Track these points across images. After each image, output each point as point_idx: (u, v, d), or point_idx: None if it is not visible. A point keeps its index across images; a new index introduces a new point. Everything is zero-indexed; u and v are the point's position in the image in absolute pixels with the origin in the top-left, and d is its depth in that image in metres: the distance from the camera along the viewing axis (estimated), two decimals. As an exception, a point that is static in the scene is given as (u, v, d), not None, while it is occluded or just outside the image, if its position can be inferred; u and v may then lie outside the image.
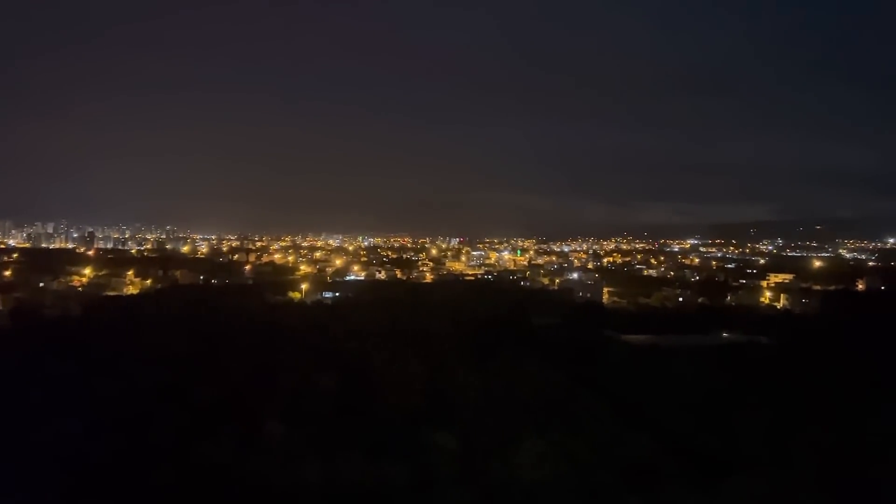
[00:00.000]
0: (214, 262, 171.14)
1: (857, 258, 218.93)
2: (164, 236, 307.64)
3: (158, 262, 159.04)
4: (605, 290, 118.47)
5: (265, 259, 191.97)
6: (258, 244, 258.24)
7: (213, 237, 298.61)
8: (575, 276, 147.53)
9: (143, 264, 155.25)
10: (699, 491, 22.42)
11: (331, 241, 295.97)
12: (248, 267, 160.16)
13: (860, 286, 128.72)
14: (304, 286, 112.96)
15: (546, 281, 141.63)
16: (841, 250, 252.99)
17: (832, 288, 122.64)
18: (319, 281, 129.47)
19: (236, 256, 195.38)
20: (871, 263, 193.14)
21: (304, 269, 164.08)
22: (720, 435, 30.39)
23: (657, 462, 26.17)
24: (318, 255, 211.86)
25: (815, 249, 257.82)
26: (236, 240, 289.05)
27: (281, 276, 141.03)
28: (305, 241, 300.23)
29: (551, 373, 41.70)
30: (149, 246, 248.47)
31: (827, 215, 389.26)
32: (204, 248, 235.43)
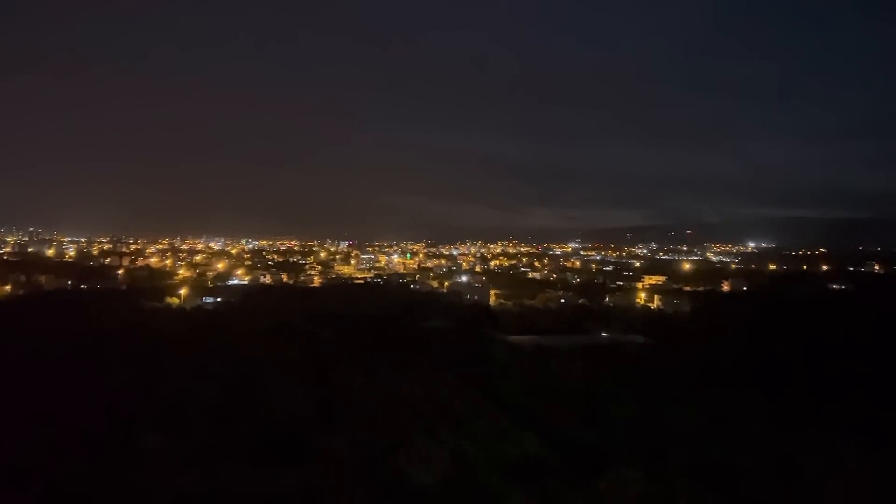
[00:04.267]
0: (84, 267, 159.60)
1: (722, 261, 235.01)
2: (26, 238, 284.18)
3: (20, 266, 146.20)
4: (493, 292, 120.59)
5: (140, 263, 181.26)
6: (132, 247, 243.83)
7: (83, 240, 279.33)
8: (463, 279, 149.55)
9: (1, 269, 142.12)
10: (581, 484, 23.22)
11: (212, 244, 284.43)
12: (121, 271, 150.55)
13: (726, 287, 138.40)
14: (183, 291, 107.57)
15: (435, 284, 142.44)
16: (708, 253, 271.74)
17: (701, 289, 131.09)
18: (200, 286, 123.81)
19: (108, 260, 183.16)
20: (734, 266, 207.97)
21: (183, 273, 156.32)
22: (600, 429, 31.71)
23: (542, 458, 26.93)
24: (198, 258, 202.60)
25: (686, 253, 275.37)
26: (108, 242, 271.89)
27: (158, 281, 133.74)
28: (184, 243, 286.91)
29: (440, 374, 42.07)
30: (8, 249, 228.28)
31: (695, 221, 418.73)
32: (72, 252, 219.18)
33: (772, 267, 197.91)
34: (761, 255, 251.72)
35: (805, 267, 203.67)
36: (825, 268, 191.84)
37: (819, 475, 24.11)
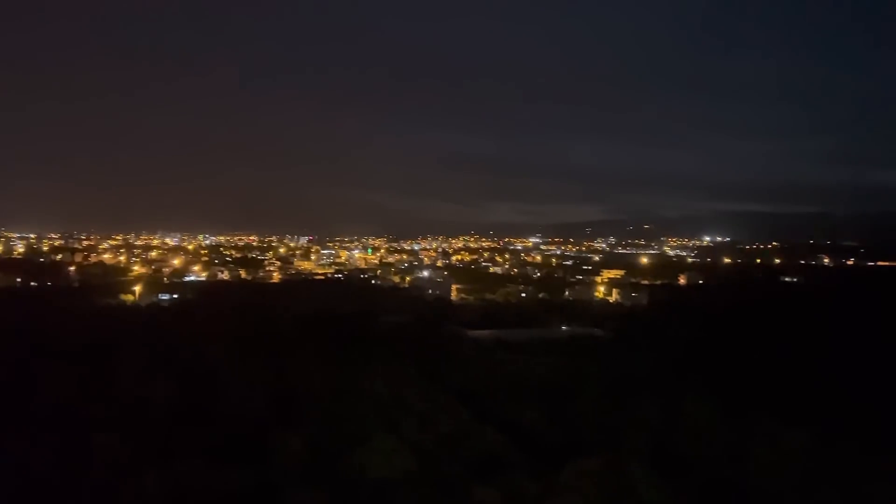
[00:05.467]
0: (34, 263, 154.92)
1: (679, 255, 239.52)
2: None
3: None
4: (454, 287, 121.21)
5: (93, 259, 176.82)
6: (85, 243, 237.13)
7: (33, 236, 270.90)
8: (425, 273, 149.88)
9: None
10: (541, 477, 23.35)
11: (168, 240, 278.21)
12: (73, 268, 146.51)
13: (682, 280, 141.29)
14: (137, 288, 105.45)
15: (397, 279, 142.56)
16: (665, 248, 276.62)
17: (658, 282, 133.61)
18: (155, 282, 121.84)
19: (60, 256, 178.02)
20: (690, 259, 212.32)
21: (138, 269, 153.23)
22: (561, 422, 31.96)
23: (502, 453, 27.01)
24: (153, 254, 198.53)
25: (643, 247, 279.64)
26: (59, 238, 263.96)
27: (112, 278, 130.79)
28: (139, 239, 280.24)
29: (401, 369, 41.90)
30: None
31: (653, 216, 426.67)
32: (21, 248, 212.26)
33: (726, 260, 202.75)
34: (716, 249, 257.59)
35: (758, 260, 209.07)
36: (777, 261, 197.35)
37: (772, 464, 24.67)
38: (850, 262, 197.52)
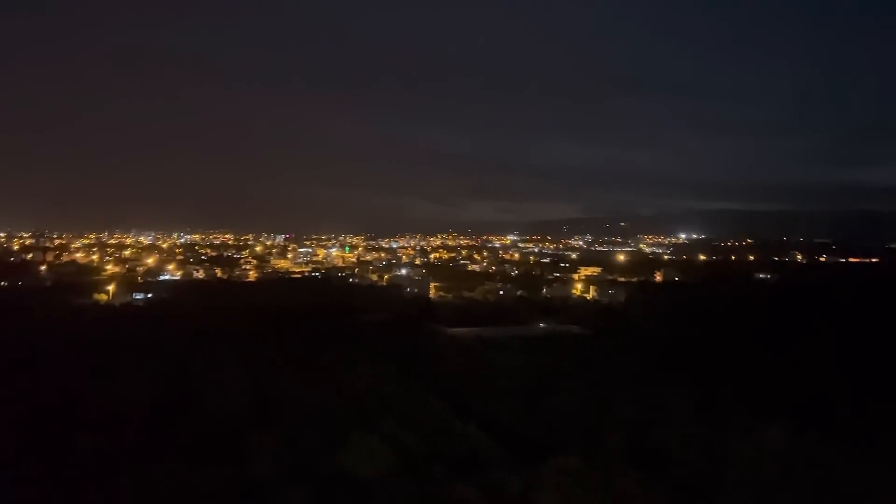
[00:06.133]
0: (4, 262, 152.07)
1: (655, 252, 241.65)
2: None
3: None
4: (432, 285, 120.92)
5: (66, 258, 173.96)
6: (57, 242, 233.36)
7: (2, 234, 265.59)
8: (403, 272, 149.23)
9: None
10: (522, 473, 23.48)
11: (142, 239, 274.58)
12: (44, 267, 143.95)
13: (658, 277, 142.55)
14: (111, 287, 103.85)
15: (375, 277, 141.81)
16: (641, 245, 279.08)
17: (634, 279, 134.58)
18: (129, 281, 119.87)
19: (31, 255, 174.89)
20: (666, 256, 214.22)
21: (111, 268, 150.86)
22: (540, 419, 32.16)
23: (484, 449, 27.12)
24: (127, 253, 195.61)
25: (620, 244, 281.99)
26: (31, 237, 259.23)
27: (84, 277, 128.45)
28: (113, 238, 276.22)
29: (381, 368, 41.86)
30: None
31: (630, 213, 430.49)
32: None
33: (701, 257, 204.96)
34: (692, 246, 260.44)
35: (733, 257, 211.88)
36: (751, 258, 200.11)
37: (746, 459, 25.08)
38: (822, 259, 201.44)
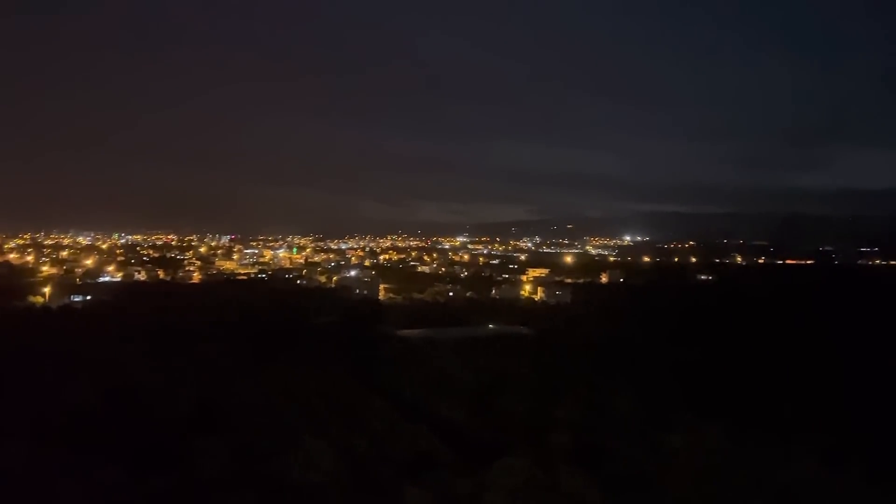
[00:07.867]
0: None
1: (601, 254, 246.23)
2: None
3: None
4: (382, 286, 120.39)
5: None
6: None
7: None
8: (352, 273, 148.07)
9: None
10: (470, 476, 23.63)
11: (81, 239, 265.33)
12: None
13: (604, 279, 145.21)
14: (47, 289, 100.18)
15: (323, 279, 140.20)
16: (588, 247, 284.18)
17: (581, 281, 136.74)
18: (67, 283, 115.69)
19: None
20: (612, 258, 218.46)
21: (47, 270, 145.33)
22: (489, 420, 32.43)
23: (433, 452, 27.19)
24: (65, 254, 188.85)
25: (567, 246, 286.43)
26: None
27: (19, 279, 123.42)
28: (49, 238, 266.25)
29: (329, 370, 41.51)
30: None
31: (577, 216, 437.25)
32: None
33: (645, 259, 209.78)
34: (636, 248, 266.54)
35: (676, 259, 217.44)
36: (693, 259, 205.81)
37: (687, 456, 25.80)
38: (760, 261, 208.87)
